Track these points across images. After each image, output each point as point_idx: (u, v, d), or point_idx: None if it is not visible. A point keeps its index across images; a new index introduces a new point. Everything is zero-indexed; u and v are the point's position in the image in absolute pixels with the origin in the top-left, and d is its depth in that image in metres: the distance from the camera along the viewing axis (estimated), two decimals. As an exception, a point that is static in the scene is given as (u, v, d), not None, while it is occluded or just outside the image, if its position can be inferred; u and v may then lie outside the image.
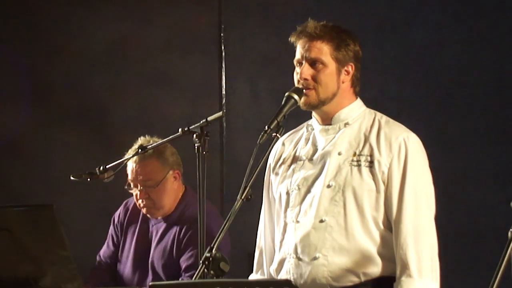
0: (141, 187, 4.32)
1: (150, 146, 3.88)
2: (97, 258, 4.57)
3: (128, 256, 4.45)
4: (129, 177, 4.34)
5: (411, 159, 3.22)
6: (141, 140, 4.32)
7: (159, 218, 4.40)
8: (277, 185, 3.40)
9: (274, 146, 3.30)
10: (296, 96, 3.24)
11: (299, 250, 3.26)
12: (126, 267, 4.45)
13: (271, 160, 3.40)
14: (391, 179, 3.22)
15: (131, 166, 4.33)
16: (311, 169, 3.31)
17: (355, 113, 3.33)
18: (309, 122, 3.42)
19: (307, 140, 3.38)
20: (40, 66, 5.85)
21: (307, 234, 3.26)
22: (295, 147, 3.40)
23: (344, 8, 5.37)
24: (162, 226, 4.40)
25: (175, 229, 4.34)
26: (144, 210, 4.38)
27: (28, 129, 5.83)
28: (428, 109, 5.31)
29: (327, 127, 3.33)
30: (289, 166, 3.37)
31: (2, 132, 5.84)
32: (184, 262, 4.27)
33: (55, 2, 5.84)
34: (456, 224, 5.11)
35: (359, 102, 3.36)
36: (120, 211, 4.55)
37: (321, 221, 3.23)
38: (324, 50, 3.26)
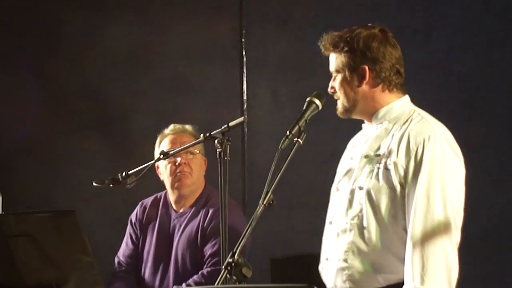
0: (184, 153, 4.42)
1: (171, 152, 3.92)
2: (116, 259, 4.59)
3: (149, 251, 4.50)
4: (167, 147, 4.41)
5: (426, 161, 3.12)
6: (172, 125, 4.54)
7: (177, 212, 4.43)
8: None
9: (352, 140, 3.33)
10: (317, 101, 3.24)
11: (326, 253, 3.27)
12: (147, 263, 4.49)
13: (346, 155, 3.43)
14: (406, 182, 3.14)
15: (168, 138, 4.49)
16: (347, 171, 3.31)
17: (393, 113, 3.28)
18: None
19: (358, 141, 3.38)
20: (61, 73, 5.88)
21: (332, 236, 3.27)
22: (352, 147, 3.42)
23: (364, 13, 5.36)
24: (186, 218, 4.44)
25: (199, 218, 4.41)
26: (179, 180, 4.45)
27: (50, 136, 5.86)
28: (450, 113, 5.26)
29: (368, 127, 3.32)
30: (342, 166, 3.39)
31: (25, 139, 5.87)
32: (208, 250, 4.34)
33: (76, 9, 5.87)
34: (478, 228, 5.08)
35: (401, 102, 3.30)
36: (137, 210, 4.61)
37: (345, 223, 3.23)
38: (337, 60, 3.28)
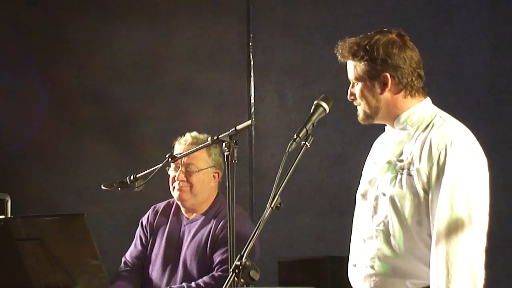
0: (183, 168, 4.38)
1: (180, 155, 3.92)
2: (123, 259, 4.60)
3: (157, 255, 4.50)
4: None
5: (448, 167, 3.09)
6: (186, 136, 4.43)
7: (189, 219, 4.45)
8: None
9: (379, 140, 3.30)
10: (324, 104, 3.23)
11: (354, 258, 3.27)
12: (155, 267, 4.50)
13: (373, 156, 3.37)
14: (430, 188, 3.11)
15: (179, 147, 4.41)
16: (372, 176, 3.29)
17: (415, 117, 3.25)
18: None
19: (381, 144, 3.37)
20: (69, 77, 5.90)
21: (359, 242, 3.25)
22: (376, 151, 3.39)
23: (371, 17, 5.36)
24: (196, 224, 4.45)
25: (210, 226, 4.41)
26: (176, 194, 4.44)
27: (58, 140, 5.88)
28: (457, 117, 5.27)
29: (392, 131, 3.30)
30: (366, 170, 3.37)
31: (34, 143, 5.89)
32: (218, 257, 4.34)
33: (84, 14, 5.89)
34: (488, 233, 5.07)
35: (422, 105, 3.28)
36: (149, 214, 4.62)
37: (371, 230, 3.22)
38: (356, 68, 3.24)
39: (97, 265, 3.40)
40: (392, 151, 3.24)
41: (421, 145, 3.16)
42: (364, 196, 3.28)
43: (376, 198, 3.22)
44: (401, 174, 3.17)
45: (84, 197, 5.64)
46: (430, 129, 3.19)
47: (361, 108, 3.26)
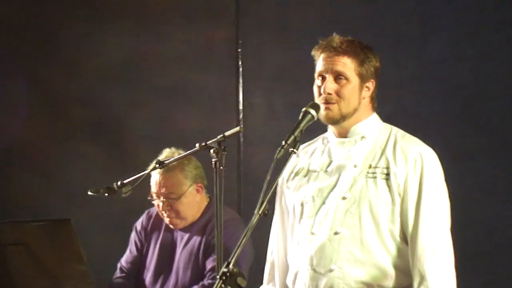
0: (164, 199, 4.37)
1: (167, 161, 3.92)
2: (118, 265, 4.60)
3: (151, 262, 4.50)
4: (153, 188, 4.40)
5: (427, 173, 3.24)
6: (166, 152, 4.41)
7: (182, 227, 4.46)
8: (291, 196, 3.41)
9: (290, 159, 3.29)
10: (313, 111, 3.25)
11: (314, 262, 3.27)
12: (148, 273, 4.49)
13: (284, 171, 3.39)
14: (407, 192, 3.23)
15: (155, 178, 4.39)
16: (326, 181, 3.32)
17: (372, 127, 3.35)
18: (325, 135, 3.44)
19: (322, 152, 3.39)
20: (58, 80, 5.88)
21: (322, 246, 3.27)
22: (309, 159, 3.41)
23: (360, 23, 5.37)
24: (189, 231, 4.47)
25: (203, 233, 4.42)
26: (167, 221, 4.44)
27: (46, 143, 5.86)
28: (445, 124, 5.30)
29: (343, 139, 3.35)
30: (304, 177, 3.39)
31: (20, 146, 5.87)
32: (209, 264, 4.34)
33: (73, 17, 5.87)
34: (473, 238, 5.09)
35: (375, 117, 3.38)
36: (142, 219, 4.62)
37: (336, 233, 3.25)
38: (348, 65, 3.28)
39: (84, 271, 3.39)
40: (354, 157, 3.30)
41: (393, 152, 3.27)
42: (315, 200, 3.30)
43: (341, 201, 3.25)
44: (375, 177, 3.25)
45: (73, 201, 5.63)
46: (395, 139, 3.31)
47: (338, 107, 3.28)
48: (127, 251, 4.62)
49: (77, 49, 5.88)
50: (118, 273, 4.59)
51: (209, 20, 5.79)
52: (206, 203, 4.50)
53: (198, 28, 5.79)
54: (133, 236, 4.62)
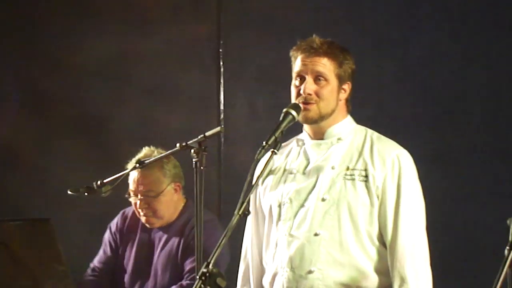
0: (142, 197, 4.37)
1: (148, 161, 3.92)
2: (91, 265, 4.57)
3: (128, 263, 4.47)
4: (130, 186, 4.39)
5: (405, 175, 3.27)
6: (145, 150, 4.40)
7: (159, 227, 4.44)
8: (266, 197, 3.41)
9: (262, 159, 3.27)
10: (294, 112, 3.26)
11: (293, 264, 3.27)
12: (126, 274, 4.47)
13: (258, 173, 3.36)
14: (385, 194, 3.26)
15: (133, 175, 4.38)
16: (303, 182, 3.32)
17: (347, 129, 3.37)
18: (299, 136, 3.44)
19: (298, 153, 3.39)
20: (39, 77, 5.86)
21: (301, 247, 3.27)
22: (285, 160, 3.41)
23: (342, 25, 5.38)
24: (167, 232, 4.45)
25: (181, 233, 4.40)
26: (143, 219, 4.42)
27: (27, 141, 5.83)
28: (425, 126, 5.32)
29: (319, 141, 3.35)
30: (279, 178, 3.39)
31: (1, 145, 5.84)
32: (188, 265, 4.33)
33: (56, 16, 5.85)
34: (453, 240, 5.11)
35: (350, 119, 3.40)
36: (118, 219, 4.58)
37: (316, 234, 3.25)
38: (328, 67, 3.30)
39: (63, 271, 3.38)
40: (331, 159, 3.31)
41: (370, 154, 3.29)
42: (293, 202, 3.30)
43: (319, 203, 3.25)
44: (353, 179, 3.26)
45: (53, 200, 5.60)
46: (371, 141, 3.33)
47: (317, 107, 3.29)
48: (100, 252, 4.58)
49: (59, 47, 5.86)
50: (89, 273, 4.55)
51: (190, 19, 5.78)
52: (183, 204, 4.48)
53: (180, 27, 5.78)
54: (107, 236, 4.59)
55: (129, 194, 4.41)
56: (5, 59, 5.84)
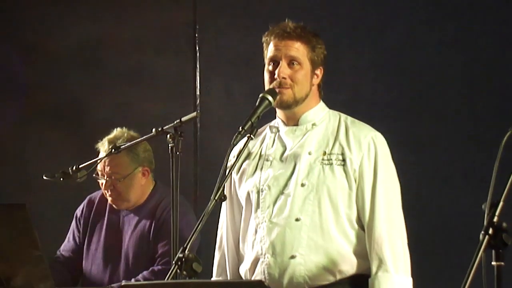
0: (107, 178, 4.35)
1: (123, 146, 3.90)
2: (57, 253, 4.54)
3: (97, 249, 4.45)
4: (98, 166, 4.35)
5: (380, 157, 3.30)
6: (116, 131, 4.37)
7: (128, 209, 4.42)
8: (243, 185, 3.41)
9: (237, 145, 3.28)
10: (270, 98, 3.26)
11: (275, 250, 3.28)
12: (95, 261, 4.44)
13: (233, 159, 3.36)
14: (362, 177, 3.29)
15: (101, 156, 4.34)
16: (281, 169, 3.33)
17: (321, 114, 3.38)
18: (272, 123, 3.44)
19: (273, 140, 3.39)
20: (14, 64, 5.82)
21: (282, 233, 3.28)
22: (260, 147, 3.41)
23: (318, 10, 5.38)
24: (137, 215, 4.42)
25: (151, 217, 4.38)
26: (109, 199, 4.41)
27: (2, 127, 5.80)
28: (401, 111, 5.34)
29: (294, 127, 3.36)
30: (255, 165, 3.39)
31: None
32: (160, 249, 4.31)
33: (30, 1, 5.82)
34: (428, 225, 5.13)
35: (323, 104, 3.42)
36: (83, 206, 4.55)
37: (296, 220, 3.27)
38: (301, 51, 3.31)
39: (38, 256, 3.36)
40: (307, 144, 3.32)
41: (346, 138, 3.31)
42: (271, 188, 3.30)
43: (299, 188, 3.27)
44: (330, 164, 3.28)
45: (29, 186, 5.58)
46: (345, 125, 3.35)
47: (291, 91, 3.30)
48: (66, 240, 4.56)
49: (34, 33, 5.82)
50: (53, 260, 4.50)
51: (166, 4, 5.76)
52: (151, 187, 4.47)
53: (155, 11, 5.76)
54: (73, 224, 4.56)
55: (97, 174, 4.38)
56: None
